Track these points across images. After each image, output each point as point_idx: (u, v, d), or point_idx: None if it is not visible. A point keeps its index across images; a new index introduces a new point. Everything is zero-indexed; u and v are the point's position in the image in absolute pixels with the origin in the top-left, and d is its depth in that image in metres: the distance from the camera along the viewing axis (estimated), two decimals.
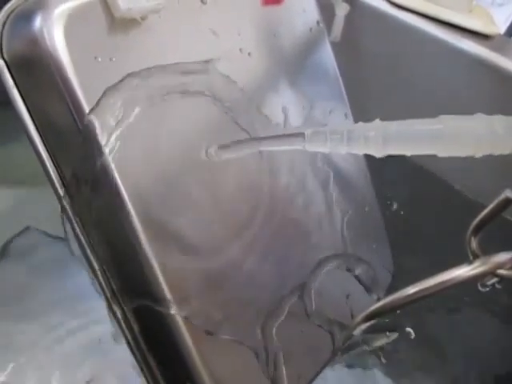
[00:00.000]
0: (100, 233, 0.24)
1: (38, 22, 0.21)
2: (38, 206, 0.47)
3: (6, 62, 0.22)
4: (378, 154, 0.22)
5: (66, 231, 0.25)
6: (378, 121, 0.23)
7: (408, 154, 0.22)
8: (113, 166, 0.22)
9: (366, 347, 0.40)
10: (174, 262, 0.25)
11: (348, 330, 0.33)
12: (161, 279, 0.24)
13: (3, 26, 0.22)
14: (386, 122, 0.22)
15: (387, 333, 0.40)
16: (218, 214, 0.28)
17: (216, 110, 0.28)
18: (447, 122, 0.21)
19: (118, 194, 0.23)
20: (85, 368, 0.41)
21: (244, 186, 0.29)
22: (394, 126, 0.22)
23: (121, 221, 0.23)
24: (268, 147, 0.27)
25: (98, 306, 0.26)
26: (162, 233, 0.24)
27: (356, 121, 0.39)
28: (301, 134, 0.24)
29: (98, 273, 0.25)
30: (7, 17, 0.22)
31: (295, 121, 0.33)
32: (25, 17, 0.22)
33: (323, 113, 0.36)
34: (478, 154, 0.21)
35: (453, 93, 0.45)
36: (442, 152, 0.21)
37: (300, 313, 0.32)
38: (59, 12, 0.21)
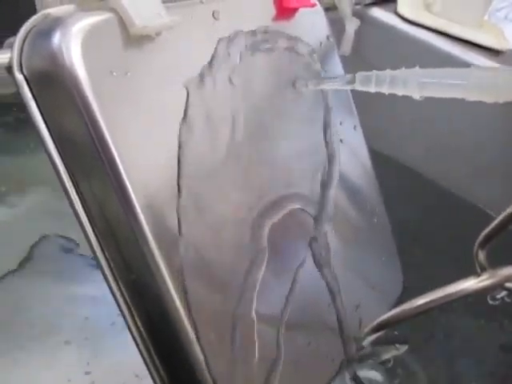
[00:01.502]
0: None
1: (56, 38, 0.22)
2: (53, 215, 0.48)
3: (25, 76, 0.23)
4: (416, 95, 0.28)
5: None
6: (417, 68, 0.28)
7: (441, 96, 0.27)
8: None
9: (375, 359, 0.40)
10: None
11: (357, 340, 0.34)
12: None
13: (23, 42, 0.23)
14: (423, 69, 0.28)
15: (396, 345, 0.39)
16: None
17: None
18: (474, 71, 0.26)
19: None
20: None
21: None
22: (429, 72, 0.27)
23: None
24: (325, 87, 0.34)
25: None
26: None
27: (365, 133, 0.40)
28: (352, 76, 0.30)
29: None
30: (27, 33, 0.23)
31: None
32: (44, 34, 0.22)
33: (333, 124, 0.37)
34: (501, 100, 0.25)
35: (464, 106, 0.45)
36: (470, 96, 0.26)
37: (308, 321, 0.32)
38: (77, 29, 0.22)
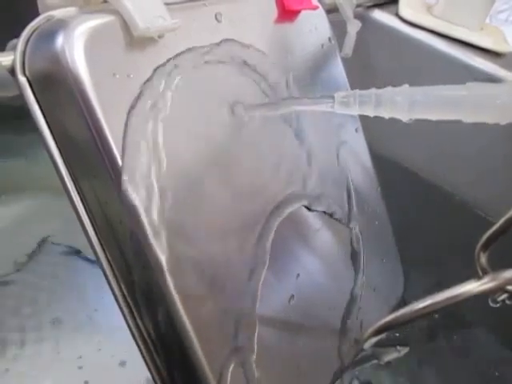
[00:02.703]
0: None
1: (59, 40, 0.22)
2: (54, 217, 0.48)
3: (27, 78, 0.23)
4: (405, 117, 0.24)
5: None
6: (406, 86, 0.24)
7: (433, 118, 0.23)
8: None
9: (375, 361, 0.40)
10: None
11: (358, 343, 0.34)
12: None
13: (26, 45, 0.23)
14: (412, 88, 0.23)
15: (397, 347, 0.39)
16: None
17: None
18: (472, 89, 0.22)
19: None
20: None
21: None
22: (420, 91, 0.23)
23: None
24: (299, 107, 0.28)
25: None
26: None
27: (366, 135, 0.40)
28: (331, 97, 0.25)
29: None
30: (30, 35, 0.23)
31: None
32: (47, 36, 0.23)
33: (335, 127, 0.37)
34: (503, 122, 0.22)
35: None
36: (467, 118, 0.22)
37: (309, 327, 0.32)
38: (80, 31, 0.22)
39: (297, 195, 0.33)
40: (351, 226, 0.36)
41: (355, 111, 0.25)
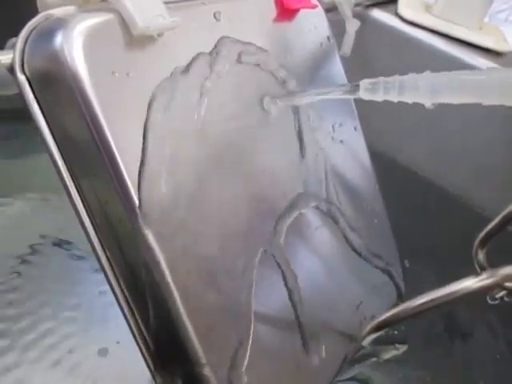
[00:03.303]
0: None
1: (59, 39, 0.22)
2: (53, 216, 0.48)
3: (27, 77, 0.23)
4: (427, 102, 0.25)
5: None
6: (428, 72, 0.25)
7: (455, 102, 0.24)
8: None
9: (375, 359, 0.40)
10: None
11: (357, 340, 0.34)
12: None
13: (25, 43, 0.23)
14: (434, 73, 0.25)
15: (396, 345, 0.40)
16: None
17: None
18: (491, 74, 0.23)
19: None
20: None
21: None
22: (442, 76, 0.24)
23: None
24: (325, 96, 0.30)
25: None
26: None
27: (365, 134, 0.40)
28: (355, 85, 0.27)
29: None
30: (29, 34, 0.23)
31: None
32: (46, 34, 0.23)
33: (333, 126, 0.37)
34: None
35: (465, 108, 0.45)
36: (488, 101, 0.23)
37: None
38: (79, 30, 0.22)
39: (303, 197, 0.33)
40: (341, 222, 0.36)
41: (380, 97, 0.26)
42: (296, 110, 0.33)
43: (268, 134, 0.31)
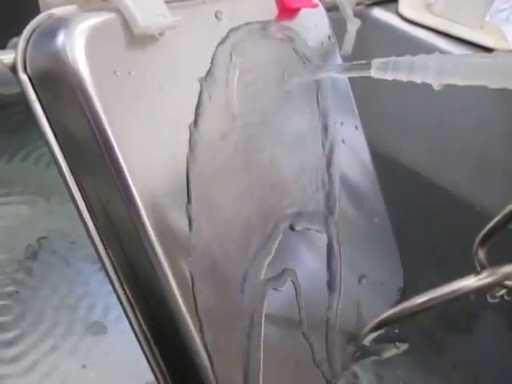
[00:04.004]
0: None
1: (60, 38, 0.22)
2: (53, 217, 0.48)
3: (29, 76, 0.23)
4: (435, 83, 0.26)
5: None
6: (437, 53, 0.26)
7: (461, 83, 0.25)
8: None
9: (375, 357, 0.40)
10: None
11: (358, 338, 0.34)
12: None
13: (27, 42, 0.23)
14: (443, 55, 0.26)
15: (397, 343, 0.40)
16: None
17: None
18: (498, 56, 0.24)
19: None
20: None
21: None
22: (450, 58, 0.25)
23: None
24: (338, 74, 0.32)
25: None
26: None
27: (366, 133, 0.40)
28: (367, 63, 0.28)
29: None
30: (31, 33, 0.23)
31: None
32: (48, 34, 0.23)
33: (335, 124, 0.37)
34: None
35: (465, 107, 0.45)
36: (493, 84, 0.24)
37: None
38: (81, 29, 0.22)
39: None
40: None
41: (390, 76, 0.27)
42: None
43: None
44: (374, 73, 0.27)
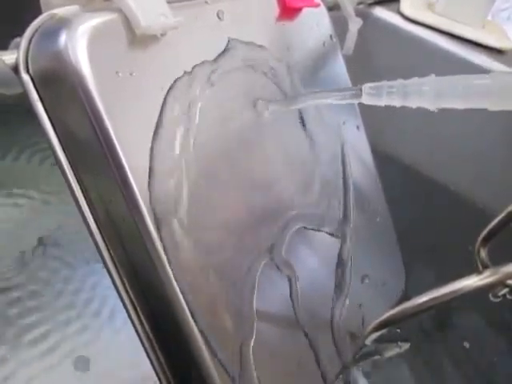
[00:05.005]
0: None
1: (62, 39, 0.22)
2: (53, 217, 0.48)
3: (31, 76, 0.23)
4: (431, 107, 0.24)
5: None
6: (432, 76, 0.24)
7: (460, 107, 0.24)
8: None
9: (377, 357, 0.40)
10: None
11: (360, 338, 0.34)
12: None
13: (29, 43, 0.23)
14: (439, 78, 0.24)
15: (399, 343, 0.40)
16: None
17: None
18: (496, 77, 0.23)
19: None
20: None
21: None
22: (446, 81, 0.24)
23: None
24: (326, 100, 0.28)
25: None
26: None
27: (367, 133, 0.40)
28: (358, 89, 0.26)
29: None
30: (33, 34, 0.23)
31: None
32: (50, 34, 0.23)
33: (336, 124, 0.37)
34: None
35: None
36: (492, 106, 0.23)
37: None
38: (83, 30, 0.22)
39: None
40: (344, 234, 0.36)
41: (383, 102, 0.25)
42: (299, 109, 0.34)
43: (267, 136, 0.31)
44: (366, 99, 0.26)
